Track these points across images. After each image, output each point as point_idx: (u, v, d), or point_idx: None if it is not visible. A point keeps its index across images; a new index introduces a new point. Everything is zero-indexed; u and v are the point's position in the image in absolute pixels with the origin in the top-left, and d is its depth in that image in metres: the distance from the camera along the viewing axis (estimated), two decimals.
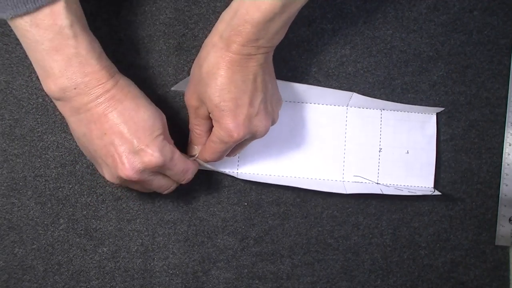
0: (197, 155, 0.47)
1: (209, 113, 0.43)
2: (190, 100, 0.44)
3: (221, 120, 0.41)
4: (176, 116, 0.52)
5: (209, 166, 0.49)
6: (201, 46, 0.51)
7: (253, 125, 0.42)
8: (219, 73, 0.40)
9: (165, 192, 0.46)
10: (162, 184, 0.44)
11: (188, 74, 0.52)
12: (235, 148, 0.46)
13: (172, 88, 0.49)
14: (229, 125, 0.41)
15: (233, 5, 0.40)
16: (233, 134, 0.41)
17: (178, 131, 0.52)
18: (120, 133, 0.40)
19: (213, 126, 0.44)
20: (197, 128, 0.46)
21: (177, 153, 0.43)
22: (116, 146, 0.40)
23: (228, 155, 0.47)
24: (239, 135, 0.41)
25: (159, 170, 0.42)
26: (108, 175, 0.42)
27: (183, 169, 0.44)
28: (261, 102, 0.42)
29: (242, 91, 0.40)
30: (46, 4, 0.36)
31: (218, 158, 0.45)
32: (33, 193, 0.50)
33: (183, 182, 0.45)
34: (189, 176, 0.45)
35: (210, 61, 0.40)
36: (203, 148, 0.46)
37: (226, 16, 0.40)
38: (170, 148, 0.42)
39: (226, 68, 0.40)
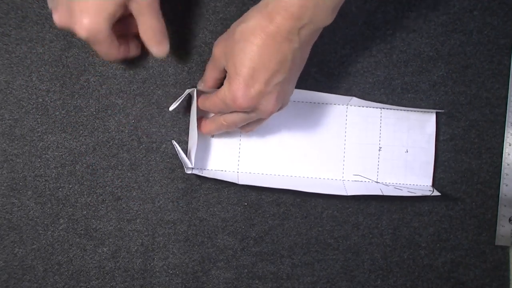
0: (201, 89, 0.48)
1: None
2: (216, 50, 0.44)
3: (232, 83, 0.40)
4: (176, 116, 0.52)
5: (210, 174, 0.49)
6: (201, 46, 0.52)
7: (260, 103, 0.41)
8: (251, 40, 0.39)
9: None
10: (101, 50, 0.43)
11: (188, 74, 0.52)
12: (232, 119, 0.45)
13: (170, 109, 0.49)
14: (238, 92, 0.40)
15: None
16: (238, 101, 0.40)
17: (178, 134, 0.52)
18: None
19: (222, 77, 0.44)
20: (210, 72, 0.46)
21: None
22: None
23: (228, 127, 0.47)
24: (242, 105, 0.41)
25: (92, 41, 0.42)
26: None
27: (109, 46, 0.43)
28: (278, 84, 0.41)
29: (264, 66, 0.39)
30: None
31: (213, 112, 0.46)
32: (33, 193, 0.50)
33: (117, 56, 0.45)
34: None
35: (249, 25, 0.39)
36: (206, 97, 0.46)
37: None
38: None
39: (260, 38, 0.39)
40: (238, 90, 0.40)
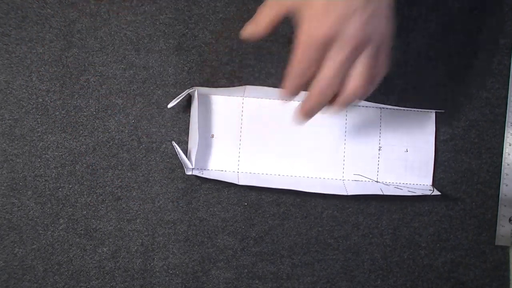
0: (246, 34, 0.41)
1: (290, 7, 0.37)
2: None
3: (307, 14, 0.35)
4: (176, 116, 0.52)
5: (210, 175, 0.49)
6: (201, 46, 0.52)
7: (345, 26, 0.35)
8: None
9: None
10: None
11: (188, 74, 0.52)
12: (326, 70, 0.37)
13: (169, 106, 0.49)
14: (315, 18, 0.35)
15: None
16: (317, 29, 0.35)
17: (178, 134, 0.52)
18: None
19: (277, 22, 0.38)
20: (267, 10, 0.39)
21: None
22: None
23: (328, 85, 0.38)
24: (322, 31, 0.35)
25: None
26: None
27: None
28: (359, 8, 0.35)
29: None
30: None
31: (305, 69, 0.37)
32: (33, 193, 0.50)
33: None
34: None
35: None
36: (289, 65, 0.38)
37: None
38: None
39: None
40: (314, 20, 0.35)
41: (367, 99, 0.53)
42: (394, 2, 0.38)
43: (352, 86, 0.38)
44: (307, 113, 0.41)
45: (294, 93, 0.40)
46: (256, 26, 0.40)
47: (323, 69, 0.37)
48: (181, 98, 0.49)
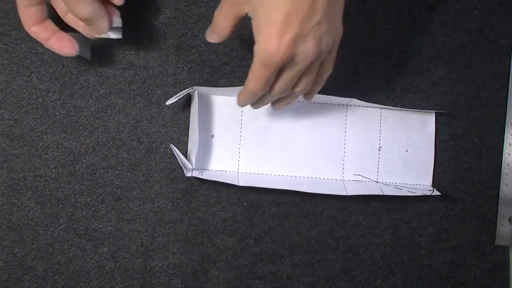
0: (215, 41, 0.43)
1: (246, 14, 0.39)
2: None
3: (264, 35, 0.37)
4: (176, 116, 0.52)
5: (210, 176, 0.49)
6: (201, 46, 0.52)
7: (298, 47, 0.37)
8: None
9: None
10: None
11: (188, 74, 0.52)
12: (280, 84, 0.41)
13: (167, 103, 0.48)
14: (272, 42, 0.36)
15: None
16: (273, 51, 0.36)
17: (178, 134, 0.52)
18: None
19: (237, 24, 0.40)
20: (223, 18, 0.41)
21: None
22: None
23: (281, 92, 0.42)
24: (279, 54, 0.37)
25: None
26: None
27: None
28: (314, 26, 0.37)
29: (296, 8, 0.36)
30: None
31: (262, 88, 0.40)
32: (33, 193, 0.50)
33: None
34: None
35: None
36: (246, 80, 0.41)
37: None
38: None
39: None
40: (272, 40, 0.36)
41: (367, 99, 0.53)
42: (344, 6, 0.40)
43: (298, 91, 0.42)
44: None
45: (246, 105, 0.45)
46: (217, 31, 0.42)
47: (276, 83, 0.40)
48: (180, 97, 0.49)
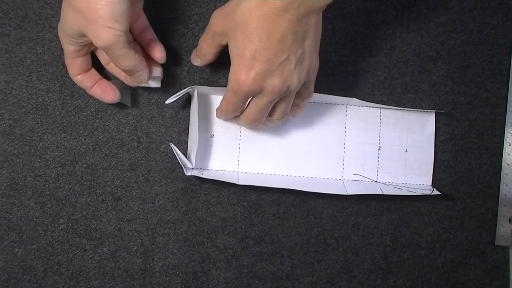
0: (198, 65, 0.49)
1: (224, 45, 0.44)
2: (216, 26, 0.43)
3: (235, 66, 0.41)
4: (176, 116, 0.52)
5: (210, 175, 0.49)
6: None
7: (266, 82, 0.41)
8: (250, 22, 0.39)
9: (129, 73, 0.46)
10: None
11: (188, 74, 0.52)
12: (249, 113, 0.45)
13: (166, 102, 0.49)
14: (241, 74, 0.40)
15: None
16: (241, 83, 0.41)
17: (178, 134, 0.52)
18: None
19: (219, 51, 0.45)
20: (206, 46, 0.46)
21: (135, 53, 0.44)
22: None
23: (253, 122, 0.46)
24: (246, 86, 0.41)
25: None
26: None
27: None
28: (282, 63, 0.40)
29: (264, 47, 0.39)
30: None
31: (231, 111, 0.45)
32: (33, 193, 0.50)
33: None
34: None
35: (248, 5, 0.39)
36: (219, 105, 0.46)
37: None
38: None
39: (257, 20, 0.39)
40: (241, 72, 0.40)
41: (367, 99, 0.53)
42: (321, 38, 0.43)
43: (275, 119, 0.46)
44: (220, 118, 0.50)
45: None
46: (201, 56, 0.47)
47: (247, 110, 0.45)
48: (180, 96, 0.49)
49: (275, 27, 0.39)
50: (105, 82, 0.48)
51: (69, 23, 0.42)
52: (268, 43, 0.39)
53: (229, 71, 0.42)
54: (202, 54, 0.47)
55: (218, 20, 0.43)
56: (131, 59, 0.43)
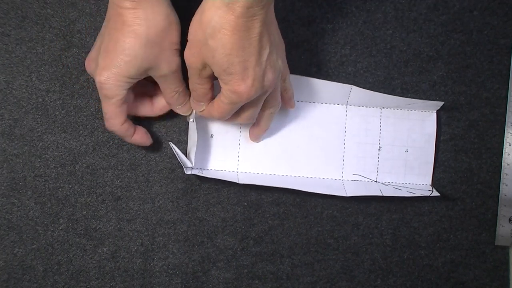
0: (203, 109, 0.47)
1: (213, 74, 0.43)
2: (194, 63, 0.43)
3: (230, 83, 0.41)
4: (176, 115, 0.52)
5: (210, 174, 0.49)
6: None
7: (263, 84, 0.42)
8: (225, 38, 0.39)
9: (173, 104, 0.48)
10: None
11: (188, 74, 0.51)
12: (247, 113, 0.46)
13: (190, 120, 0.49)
14: (239, 88, 0.41)
15: None
16: (243, 95, 0.42)
17: (178, 134, 0.52)
18: None
19: (213, 82, 0.45)
20: (200, 87, 0.45)
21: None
22: None
23: (249, 119, 0.47)
24: (249, 95, 0.42)
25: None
26: None
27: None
28: (267, 58, 0.42)
29: (249, 53, 0.40)
30: None
31: (227, 117, 0.46)
32: (33, 193, 0.50)
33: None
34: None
35: (215, 26, 0.39)
36: (210, 106, 0.46)
37: None
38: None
39: (232, 33, 0.39)
40: (239, 86, 0.41)
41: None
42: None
43: (268, 112, 0.48)
44: (212, 117, 0.49)
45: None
46: (202, 98, 0.46)
47: (243, 113, 0.46)
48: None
49: (250, 31, 0.39)
50: (140, 128, 0.48)
51: (139, 59, 0.43)
52: (251, 48, 0.40)
53: None
54: (201, 96, 0.46)
55: (192, 56, 0.43)
56: (183, 82, 0.46)
